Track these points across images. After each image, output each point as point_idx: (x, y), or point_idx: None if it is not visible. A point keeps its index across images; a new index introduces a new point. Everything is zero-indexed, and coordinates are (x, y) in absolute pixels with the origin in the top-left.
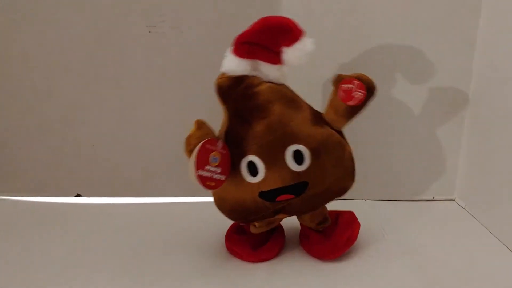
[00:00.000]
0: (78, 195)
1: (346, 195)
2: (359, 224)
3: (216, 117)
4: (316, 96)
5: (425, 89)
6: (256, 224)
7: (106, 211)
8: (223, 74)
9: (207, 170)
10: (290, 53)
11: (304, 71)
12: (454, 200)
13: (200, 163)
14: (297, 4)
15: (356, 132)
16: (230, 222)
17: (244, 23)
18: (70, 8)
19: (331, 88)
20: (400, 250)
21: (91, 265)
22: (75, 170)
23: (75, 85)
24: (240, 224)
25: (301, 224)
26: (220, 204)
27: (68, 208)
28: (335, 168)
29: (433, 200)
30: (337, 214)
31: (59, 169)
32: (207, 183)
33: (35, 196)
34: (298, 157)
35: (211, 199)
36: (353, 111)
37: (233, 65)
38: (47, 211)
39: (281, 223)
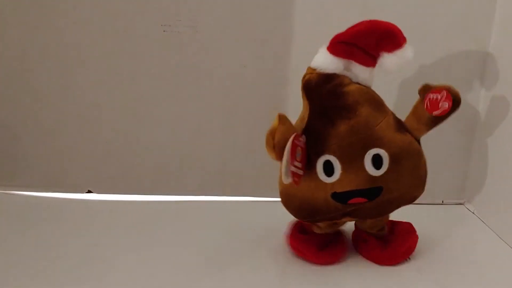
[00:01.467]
0: (89, 191)
1: None
2: (417, 236)
3: (230, 116)
4: None
5: None
6: (321, 224)
7: (117, 208)
8: (313, 69)
9: (295, 166)
10: (389, 59)
11: None
12: (463, 204)
13: (292, 159)
14: (311, 5)
15: None
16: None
17: (257, 22)
18: (86, 6)
19: None
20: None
21: (102, 262)
22: (87, 166)
23: (91, 82)
24: (303, 223)
25: (357, 228)
26: (288, 200)
27: (79, 205)
28: (411, 176)
29: (442, 204)
30: (393, 222)
31: (71, 165)
32: (295, 178)
33: (46, 192)
34: (377, 161)
35: (221, 198)
36: (435, 121)
37: (326, 62)
38: (58, 207)
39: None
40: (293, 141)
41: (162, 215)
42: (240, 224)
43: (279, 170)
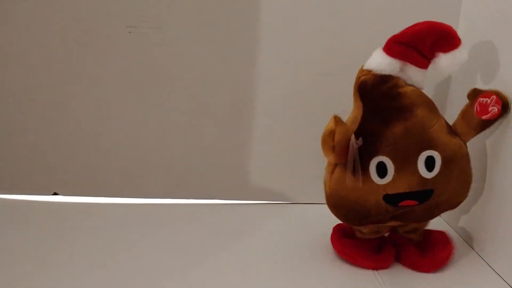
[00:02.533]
0: (55, 193)
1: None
2: (454, 245)
3: (195, 118)
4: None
5: None
6: (363, 230)
7: (83, 210)
8: (368, 71)
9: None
10: (444, 60)
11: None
12: None
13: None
14: (277, 6)
15: None
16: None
17: (223, 23)
18: (49, 7)
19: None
20: None
21: (67, 266)
22: (52, 168)
23: (54, 84)
24: (345, 226)
25: (393, 232)
26: (340, 202)
27: (45, 207)
28: (459, 180)
29: None
30: (426, 230)
31: (36, 167)
32: (355, 178)
33: (10, 194)
34: (430, 163)
35: (187, 201)
36: (484, 125)
37: (383, 63)
38: (22, 210)
39: None
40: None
41: (128, 218)
42: (205, 226)
43: (325, 172)
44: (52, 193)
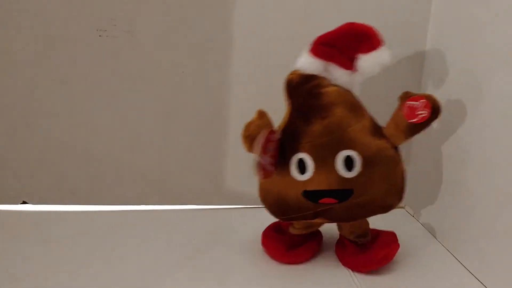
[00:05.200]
0: (24, 202)
1: None
2: (398, 246)
3: (168, 123)
4: None
5: (375, 95)
6: (296, 225)
7: (53, 219)
8: (295, 70)
9: (265, 159)
10: (365, 61)
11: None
12: (403, 207)
13: (264, 151)
14: (250, 8)
15: None
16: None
17: (195, 27)
18: (17, 10)
19: None
20: None
21: (36, 276)
22: (21, 176)
23: (21, 87)
24: (280, 222)
25: (340, 234)
26: (265, 196)
27: (13, 216)
28: (383, 182)
29: None
30: (378, 232)
31: (4, 175)
32: (264, 171)
33: None
34: (349, 163)
35: (161, 207)
36: (414, 129)
37: (307, 63)
38: None
39: (321, 230)
40: (266, 136)
41: (100, 225)
42: (180, 232)
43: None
44: (21, 201)
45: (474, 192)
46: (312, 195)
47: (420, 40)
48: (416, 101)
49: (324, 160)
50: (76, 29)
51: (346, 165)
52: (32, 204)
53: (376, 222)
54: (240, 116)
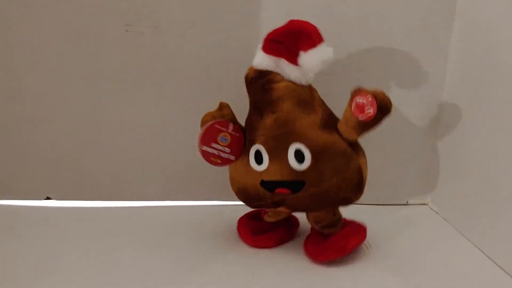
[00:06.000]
0: (47, 198)
1: None
2: (360, 239)
3: (194, 118)
4: None
5: (399, 94)
6: (269, 213)
7: (77, 215)
8: (251, 66)
9: (213, 148)
10: (304, 58)
11: None
12: (427, 204)
13: (205, 140)
14: (277, 4)
15: None
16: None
17: (221, 22)
18: (42, 4)
19: None
20: (377, 254)
21: (61, 273)
22: (45, 171)
23: (47, 84)
24: (257, 210)
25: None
26: (231, 183)
27: (37, 212)
28: (335, 175)
29: (407, 204)
30: (347, 223)
31: (28, 170)
32: (211, 158)
33: (1, 200)
34: (299, 156)
35: (186, 203)
36: (363, 126)
37: (259, 59)
38: (13, 216)
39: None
40: (212, 125)
41: (125, 222)
42: (205, 229)
43: None
44: (45, 197)
45: (501, 187)
46: (268, 185)
47: (445, 35)
48: (364, 97)
49: (277, 152)
50: (102, 23)
51: (297, 157)
52: (56, 199)
53: (397, 218)
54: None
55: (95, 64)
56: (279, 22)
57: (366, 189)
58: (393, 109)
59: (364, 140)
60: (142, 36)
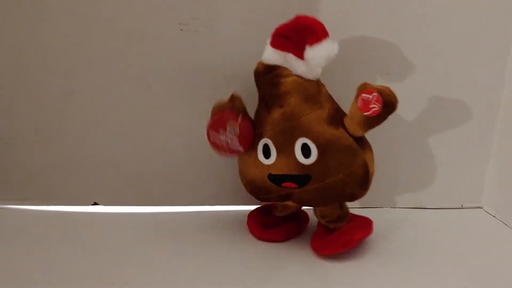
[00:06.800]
0: (95, 203)
1: (375, 203)
2: (366, 233)
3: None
4: None
5: (455, 94)
6: (278, 207)
7: (126, 221)
8: (260, 61)
9: (222, 138)
10: (309, 53)
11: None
12: (481, 207)
13: (214, 129)
14: (335, 4)
15: (384, 140)
16: None
17: (279, 20)
18: (94, 2)
19: None
20: (437, 258)
21: (111, 278)
22: (92, 176)
23: (97, 85)
24: (267, 204)
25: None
26: (241, 176)
27: (84, 218)
28: (340, 170)
29: (462, 208)
30: (354, 218)
31: (74, 175)
32: (219, 148)
33: (47, 205)
34: (306, 150)
35: (236, 208)
36: (369, 122)
37: (267, 54)
38: (60, 222)
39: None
40: (222, 114)
41: (175, 227)
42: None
43: None
44: (92, 203)
45: None
46: (275, 179)
47: (506, 36)
48: (369, 94)
49: (284, 146)
50: (156, 22)
51: (304, 152)
52: (104, 205)
53: (451, 220)
54: None
55: (149, 65)
56: (339, 18)
57: (418, 193)
58: (448, 109)
59: (419, 143)
60: (197, 35)
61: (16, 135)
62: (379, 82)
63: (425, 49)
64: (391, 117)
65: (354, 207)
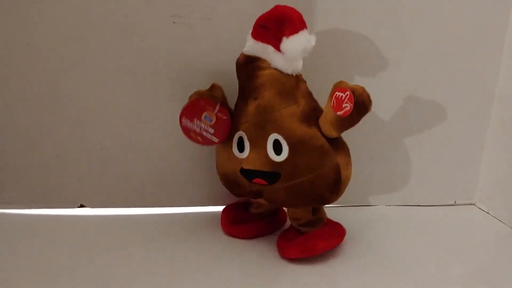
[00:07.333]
0: (81, 206)
1: (370, 201)
2: (332, 243)
3: None
4: None
5: (448, 91)
6: (254, 204)
7: (114, 223)
8: (242, 52)
9: (196, 124)
10: (286, 44)
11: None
12: (474, 204)
13: (187, 114)
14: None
15: (376, 137)
16: None
17: None
18: None
19: None
20: (431, 255)
21: (100, 283)
22: (78, 178)
23: (85, 83)
24: (245, 200)
25: None
26: (217, 168)
27: (71, 221)
28: (309, 171)
29: (455, 204)
30: (330, 224)
31: (60, 176)
32: (191, 134)
33: (32, 208)
34: (277, 147)
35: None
36: (341, 123)
37: (248, 44)
38: (46, 225)
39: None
40: (197, 101)
41: (165, 229)
42: None
43: None
44: (79, 205)
45: None
46: (247, 174)
47: (499, 33)
48: (343, 92)
49: (257, 141)
50: (148, 14)
51: (275, 148)
52: (91, 207)
53: (444, 218)
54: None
55: (141, 59)
56: (341, 10)
57: (411, 191)
58: (441, 106)
59: (411, 140)
60: (191, 28)
61: None
62: (371, 78)
63: (418, 45)
64: (384, 114)
65: (349, 205)
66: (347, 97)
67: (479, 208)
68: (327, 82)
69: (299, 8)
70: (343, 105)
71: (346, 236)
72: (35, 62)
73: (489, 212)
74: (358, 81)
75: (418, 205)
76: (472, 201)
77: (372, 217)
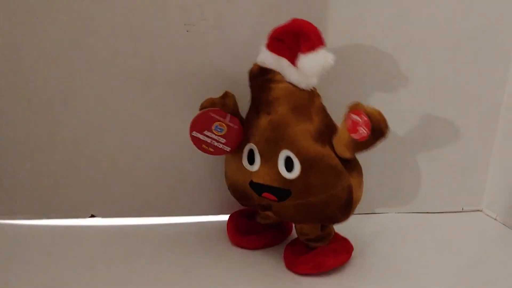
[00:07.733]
0: (92, 216)
1: (379, 209)
2: (341, 260)
3: None
4: None
5: (456, 98)
6: (261, 214)
7: (125, 233)
8: (256, 62)
9: (206, 135)
10: (303, 60)
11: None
12: (481, 211)
13: (197, 126)
14: (345, 7)
15: (385, 145)
16: None
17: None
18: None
19: None
20: (438, 261)
21: None
22: (89, 188)
23: (95, 90)
24: (250, 208)
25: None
26: (225, 177)
27: (82, 231)
28: (321, 191)
29: (462, 211)
30: (336, 240)
31: (71, 186)
32: (202, 145)
33: (42, 219)
34: (289, 164)
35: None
36: (356, 146)
37: (262, 56)
38: (57, 235)
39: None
40: (207, 113)
41: (176, 239)
42: None
43: None
44: (89, 215)
45: None
46: (256, 187)
47: (508, 41)
48: (359, 115)
49: (268, 156)
50: (161, 23)
51: (287, 165)
52: (101, 217)
53: (451, 224)
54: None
55: (154, 67)
56: (348, 22)
57: (419, 198)
58: (449, 112)
59: (419, 147)
60: (204, 37)
61: (6, 142)
62: (381, 86)
63: (427, 52)
64: (392, 122)
65: (358, 213)
66: (364, 122)
67: (487, 215)
68: (340, 93)
69: (311, 20)
70: (359, 130)
71: (355, 243)
72: (47, 69)
73: (496, 218)
74: (367, 89)
75: (427, 212)
76: (479, 208)
77: (381, 225)
